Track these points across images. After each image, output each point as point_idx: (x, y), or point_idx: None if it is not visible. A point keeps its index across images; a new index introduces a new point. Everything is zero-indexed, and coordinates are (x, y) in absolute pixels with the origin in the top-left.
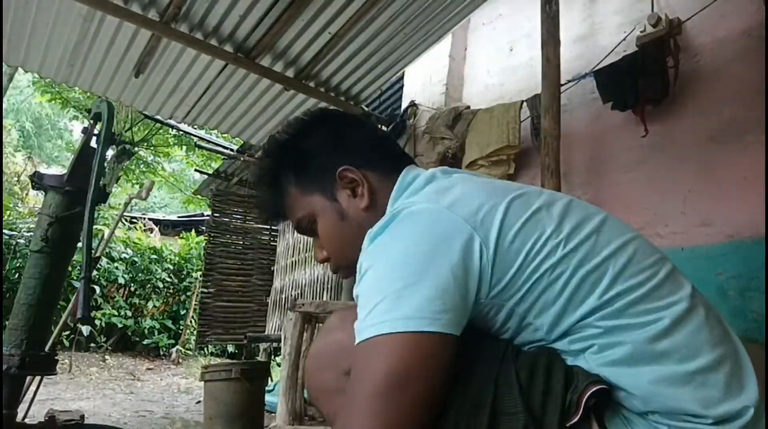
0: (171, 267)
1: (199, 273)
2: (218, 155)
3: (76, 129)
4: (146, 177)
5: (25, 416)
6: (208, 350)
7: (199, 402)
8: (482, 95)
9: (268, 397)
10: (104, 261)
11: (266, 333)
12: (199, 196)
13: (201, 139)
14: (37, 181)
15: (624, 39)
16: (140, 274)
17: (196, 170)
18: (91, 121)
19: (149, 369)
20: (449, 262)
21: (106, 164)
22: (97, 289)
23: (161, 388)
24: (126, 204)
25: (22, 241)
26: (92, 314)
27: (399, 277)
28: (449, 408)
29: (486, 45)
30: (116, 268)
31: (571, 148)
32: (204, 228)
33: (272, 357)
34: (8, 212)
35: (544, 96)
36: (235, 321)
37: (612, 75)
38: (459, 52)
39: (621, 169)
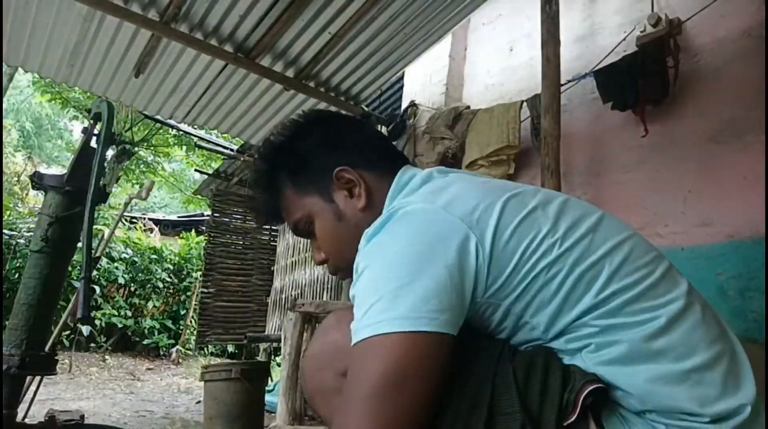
0: (171, 267)
1: (199, 273)
2: (218, 155)
3: (76, 129)
4: (146, 177)
5: (25, 416)
6: (208, 350)
7: (199, 402)
8: (482, 95)
9: (268, 397)
10: (104, 261)
11: (266, 333)
12: (199, 196)
13: (201, 139)
14: (37, 181)
15: (624, 39)
16: (140, 274)
17: (196, 170)
18: (91, 121)
19: (149, 369)
20: (445, 261)
21: (106, 164)
22: (97, 289)
23: (161, 388)
24: (126, 204)
25: (22, 241)
26: (92, 314)
27: (395, 277)
28: (446, 408)
29: (486, 45)
30: (116, 268)
31: (571, 148)
32: (204, 228)
33: (272, 357)
34: (8, 212)
35: (544, 96)
36: (235, 321)
37: (612, 75)
38: (459, 52)
39: (621, 169)
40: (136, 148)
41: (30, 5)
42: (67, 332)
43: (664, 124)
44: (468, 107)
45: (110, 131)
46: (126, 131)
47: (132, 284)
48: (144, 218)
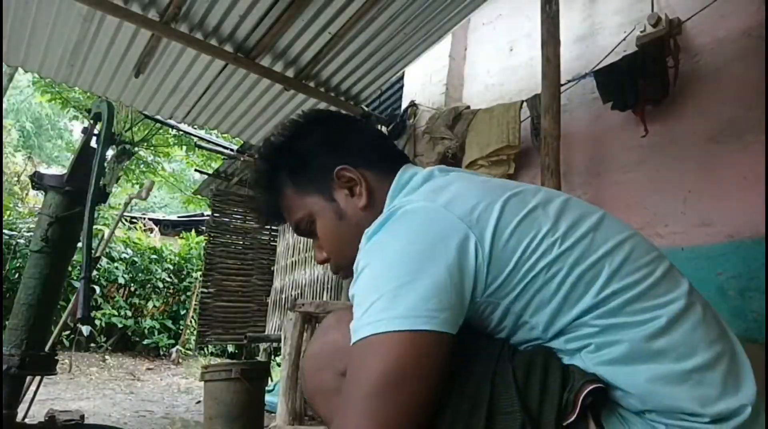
0: (171, 267)
1: (199, 273)
2: (218, 155)
3: (76, 129)
4: (146, 177)
5: (25, 416)
6: (208, 350)
7: (199, 402)
8: (482, 95)
9: (268, 397)
10: (104, 261)
11: (266, 333)
12: (199, 196)
13: (201, 139)
14: (37, 181)
15: (624, 39)
16: (140, 274)
17: (196, 170)
18: (91, 121)
19: (149, 369)
20: (445, 260)
21: (106, 164)
22: (97, 289)
23: (161, 388)
24: (126, 204)
25: (22, 241)
26: (92, 314)
27: (395, 276)
28: (446, 407)
29: (486, 45)
30: (116, 268)
31: (571, 148)
32: (204, 228)
33: (272, 357)
34: (8, 212)
35: (544, 96)
36: (235, 321)
37: (612, 75)
38: (459, 52)
39: (621, 169)
40: (136, 148)
41: (30, 5)
42: (67, 332)
43: (664, 124)
44: (468, 107)
45: (110, 131)
46: (126, 131)
47: (132, 284)
48: (144, 218)
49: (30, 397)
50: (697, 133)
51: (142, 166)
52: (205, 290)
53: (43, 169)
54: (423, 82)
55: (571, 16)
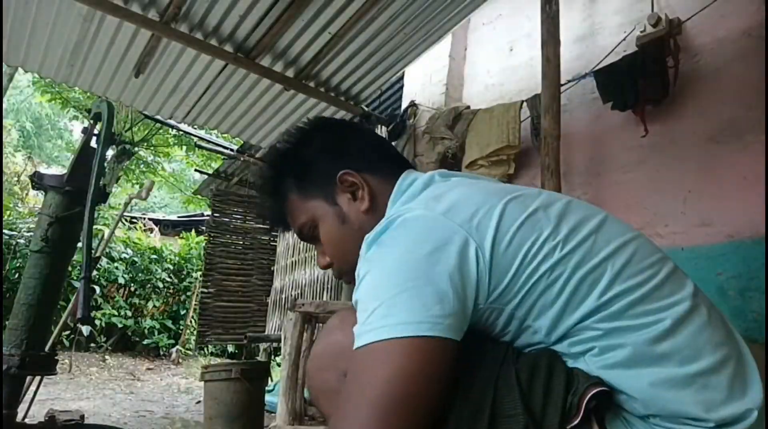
0: (171, 267)
1: (199, 273)
2: (218, 155)
3: (76, 129)
4: (146, 177)
5: (25, 416)
6: (208, 350)
7: (199, 402)
8: (482, 95)
9: (268, 397)
10: (104, 261)
11: (266, 333)
12: (199, 196)
13: (201, 139)
14: (37, 181)
15: (624, 39)
16: (140, 274)
17: (196, 170)
18: (91, 121)
19: (149, 369)
20: (446, 268)
21: (106, 164)
22: (97, 289)
23: (161, 388)
24: (126, 204)
25: (22, 241)
26: (92, 314)
27: (395, 283)
28: (449, 410)
29: (486, 45)
30: (116, 268)
31: (571, 148)
32: (204, 228)
33: (272, 357)
34: (8, 212)
35: (544, 96)
36: (235, 321)
37: (612, 75)
38: (459, 52)
39: (621, 169)
40: (136, 148)
41: (30, 5)
42: (67, 332)
43: (664, 124)
44: (468, 107)
45: (110, 131)
46: (126, 131)
47: (132, 284)
48: (144, 218)
49: (30, 397)
50: (697, 133)
51: (142, 166)
52: (205, 290)
53: (43, 169)
54: (423, 82)
55: (571, 16)
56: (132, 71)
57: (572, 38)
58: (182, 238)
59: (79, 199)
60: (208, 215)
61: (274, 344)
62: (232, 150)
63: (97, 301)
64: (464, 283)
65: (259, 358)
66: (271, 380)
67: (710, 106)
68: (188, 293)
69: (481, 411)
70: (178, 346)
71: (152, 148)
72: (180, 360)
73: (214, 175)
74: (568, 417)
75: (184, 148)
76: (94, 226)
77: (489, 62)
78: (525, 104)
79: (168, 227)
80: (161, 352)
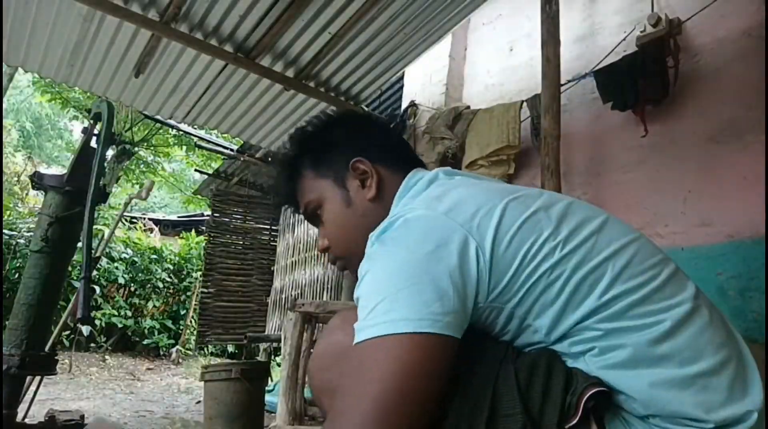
0: (171, 267)
1: (199, 273)
2: (218, 155)
3: (76, 129)
4: (146, 177)
5: (25, 416)
6: (208, 350)
7: (199, 402)
8: (482, 95)
9: (268, 397)
10: (104, 261)
11: (266, 333)
12: (199, 196)
13: (201, 139)
14: (37, 181)
15: (624, 39)
16: (140, 274)
17: (196, 170)
18: (91, 121)
19: (149, 369)
20: (447, 267)
21: (106, 164)
22: (97, 289)
23: (161, 388)
24: (126, 204)
25: (22, 241)
26: (92, 314)
27: (397, 281)
28: (448, 408)
29: (486, 45)
30: (116, 268)
31: (571, 148)
32: (204, 228)
33: (272, 357)
34: (8, 212)
35: (544, 96)
36: (235, 321)
37: (612, 75)
38: (459, 52)
39: (621, 169)
40: (136, 148)
41: (30, 5)
42: (67, 332)
43: (664, 124)
44: (468, 107)
45: (110, 131)
46: (126, 131)
47: (132, 284)
48: (144, 218)
49: (30, 397)
50: (697, 133)
51: (142, 166)
52: (205, 290)
53: (43, 169)
54: (423, 82)
55: (571, 16)
56: (132, 71)
57: (572, 38)
58: (182, 238)
59: (79, 199)
60: (208, 215)
61: (274, 344)
62: (232, 150)
63: (97, 301)
64: (465, 281)
65: (259, 358)
66: (271, 380)
67: (710, 106)
68: (188, 293)
69: (480, 409)
70: (178, 346)
71: (152, 148)
72: (180, 360)
73: (214, 175)
74: (567, 416)
75: (184, 148)
76: (94, 226)
77: (489, 62)
78: (525, 104)
79: (168, 227)
80: (161, 352)
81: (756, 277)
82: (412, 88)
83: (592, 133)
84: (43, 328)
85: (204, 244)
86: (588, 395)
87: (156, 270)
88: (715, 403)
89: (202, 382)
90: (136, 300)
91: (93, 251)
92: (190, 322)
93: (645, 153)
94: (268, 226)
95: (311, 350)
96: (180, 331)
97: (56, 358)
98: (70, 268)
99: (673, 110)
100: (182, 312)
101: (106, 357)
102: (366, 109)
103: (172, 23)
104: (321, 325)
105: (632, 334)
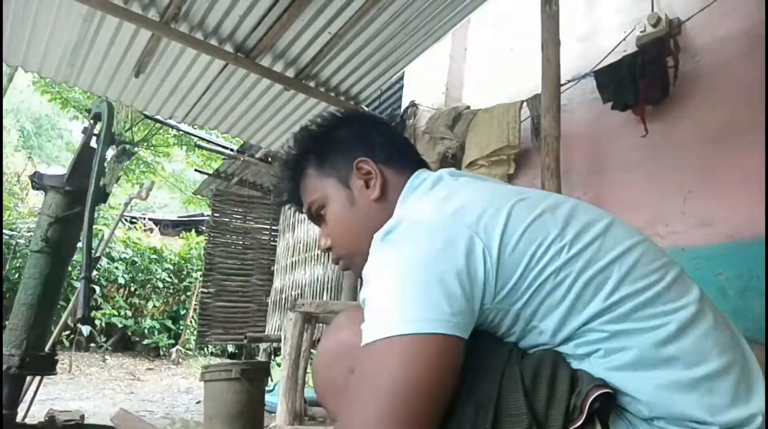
0: (171, 267)
1: (199, 273)
2: (218, 155)
3: (76, 129)
4: (146, 177)
5: (25, 416)
6: (208, 350)
7: (199, 402)
8: (482, 95)
9: (268, 397)
10: (104, 261)
11: (266, 333)
12: (199, 196)
13: (201, 139)
14: (37, 181)
15: (624, 39)
16: (140, 274)
17: (196, 170)
18: (91, 121)
19: (149, 369)
20: (454, 268)
21: (106, 164)
22: (97, 289)
23: (161, 388)
24: (126, 204)
25: (22, 241)
26: (92, 314)
27: (404, 282)
28: (453, 409)
29: (486, 45)
30: (116, 268)
31: (571, 148)
32: (204, 228)
33: (272, 357)
34: (8, 212)
35: (544, 96)
36: (235, 321)
37: (612, 75)
38: (459, 52)
39: (621, 169)
40: (136, 148)
41: (30, 5)
42: (67, 332)
43: (664, 124)
44: (468, 107)
45: (110, 131)
46: (126, 131)
47: (132, 284)
48: (144, 218)
49: (30, 397)
50: (697, 133)
51: (142, 166)
52: (205, 290)
53: (43, 169)
54: (423, 82)
55: (571, 16)
56: (132, 71)
57: (572, 38)
58: (182, 238)
59: (79, 199)
60: (208, 215)
61: (274, 344)
62: (232, 150)
63: (97, 301)
64: (472, 282)
65: (259, 358)
66: (271, 380)
67: (710, 106)
68: (188, 293)
69: (485, 409)
70: (178, 346)
71: (152, 148)
72: (180, 360)
73: (214, 175)
74: (572, 418)
75: (184, 148)
76: (94, 226)
77: (489, 62)
78: (525, 104)
79: (168, 227)
80: (161, 352)
81: (756, 277)
82: (412, 88)
83: (592, 133)
84: (43, 328)
85: (204, 244)
86: (593, 397)
87: (156, 270)
88: (720, 405)
89: (202, 382)
90: (136, 300)
91: (93, 251)
92: (190, 322)
93: (645, 153)
94: (268, 226)
95: (312, 350)
96: (180, 331)
97: (56, 358)
98: (70, 268)
99: (673, 110)
100: (182, 312)
101: (106, 357)
102: (366, 109)
103: (172, 23)
104: (321, 325)
105: (638, 336)
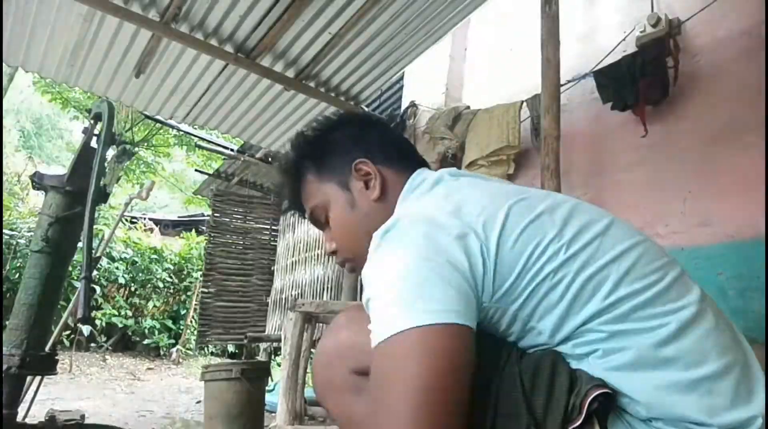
0: (171, 267)
1: (200, 273)
2: (218, 155)
3: (76, 129)
4: (146, 177)
5: (25, 416)
6: (208, 350)
7: (199, 402)
8: (482, 95)
9: (268, 397)
10: (104, 261)
11: (266, 333)
12: (199, 196)
13: (201, 139)
14: (38, 181)
15: (624, 39)
16: (140, 274)
17: (196, 170)
18: (92, 121)
19: (149, 369)
20: (455, 262)
21: (106, 164)
22: (98, 289)
23: (161, 388)
24: (126, 204)
25: (22, 241)
26: (92, 314)
27: (409, 277)
28: None
29: (486, 45)
30: (116, 268)
31: (571, 148)
32: (204, 228)
33: (272, 357)
34: (9, 212)
35: (544, 96)
36: (235, 321)
37: (612, 75)
38: (459, 52)
39: (621, 169)
40: (137, 149)
41: (30, 5)
42: (68, 332)
43: (664, 124)
44: (468, 107)
45: (110, 131)
46: (126, 131)
47: (132, 284)
48: (144, 218)
49: (30, 397)
50: (697, 133)
51: (142, 166)
52: (206, 290)
53: (43, 169)
54: (423, 82)
55: (571, 16)
56: (132, 71)
57: (572, 38)
58: (182, 238)
59: (79, 199)
60: (208, 215)
61: (274, 344)
62: (232, 150)
63: (97, 300)
64: (473, 276)
65: (259, 358)
66: (271, 380)
67: (710, 106)
68: (188, 293)
69: (484, 408)
70: (178, 346)
71: (152, 148)
72: (180, 360)
73: (214, 175)
74: (571, 418)
75: (185, 148)
76: (95, 226)
77: (489, 62)
78: (525, 104)
79: (168, 227)
80: (161, 352)
81: (756, 277)
82: (412, 88)
83: (592, 133)
84: (43, 328)
85: (204, 244)
86: (591, 397)
87: (156, 270)
88: (720, 407)
89: (203, 382)
90: (136, 300)
91: (93, 251)
92: (191, 322)
93: (645, 153)
94: (268, 226)
95: (312, 350)
96: (180, 331)
97: (57, 358)
98: (70, 268)
99: (673, 110)
100: (182, 312)
101: (107, 357)
102: (366, 109)
103: (172, 23)
104: (321, 325)
105: (636, 337)
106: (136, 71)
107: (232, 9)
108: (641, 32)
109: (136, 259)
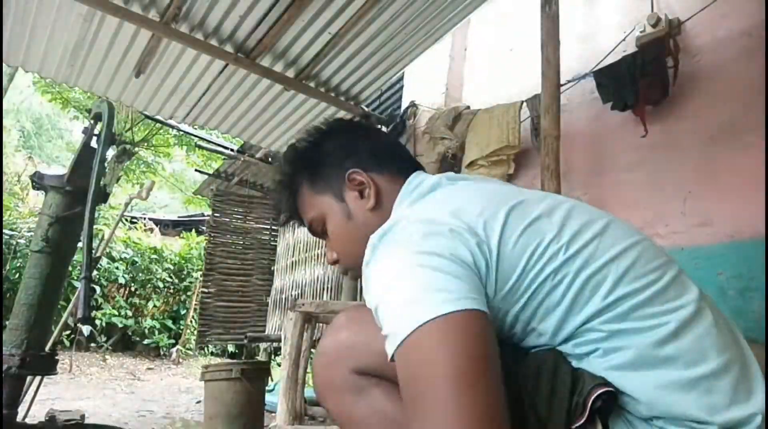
0: (171, 267)
1: (200, 273)
2: (218, 155)
3: (76, 129)
4: (146, 177)
5: (25, 416)
6: (208, 350)
7: (199, 402)
8: (482, 95)
9: (268, 397)
10: (104, 261)
11: (266, 333)
12: (199, 196)
13: (201, 139)
14: (38, 181)
15: (624, 39)
16: (140, 274)
17: (196, 170)
18: (92, 121)
19: (149, 369)
20: (459, 260)
21: (106, 164)
22: (98, 289)
23: (161, 388)
24: (126, 204)
25: (22, 241)
26: (92, 314)
27: (416, 271)
28: None
29: (486, 45)
30: (116, 268)
31: (571, 148)
32: (204, 228)
33: (272, 357)
34: (8, 212)
35: (544, 96)
36: (235, 321)
37: (612, 75)
38: (459, 52)
39: (621, 169)
40: (137, 149)
41: (30, 5)
42: (68, 332)
43: (664, 124)
44: (468, 107)
45: (110, 131)
46: (126, 131)
47: (132, 284)
48: (144, 218)
49: (30, 397)
50: (697, 134)
51: (142, 166)
52: (206, 290)
53: (43, 169)
54: (423, 82)
55: (571, 16)
56: (132, 71)
57: (572, 38)
58: (182, 238)
59: (79, 199)
60: (208, 215)
61: (274, 344)
62: (232, 150)
63: (97, 300)
64: (478, 270)
65: (259, 358)
66: (271, 380)
67: (710, 106)
68: (188, 293)
69: None
70: (178, 346)
71: (152, 148)
72: (180, 360)
73: (214, 175)
74: (573, 417)
75: (185, 148)
76: (95, 226)
77: (489, 62)
78: (525, 104)
79: (168, 227)
80: (161, 352)
81: (756, 277)
82: (412, 88)
83: (592, 133)
84: (43, 328)
85: (204, 244)
86: (594, 396)
87: (156, 270)
88: (719, 405)
89: (203, 382)
90: (136, 300)
91: (93, 251)
92: (191, 322)
93: (645, 153)
94: (268, 226)
95: (312, 350)
96: (180, 331)
97: (57, 358)
98: (70, 268)
99: (673, 110)
100: (182, 312)
101: (107, 357)
102: (366, 109)
103: (172, 23)
104: (321, 325)
105: (636, 336)
106: (136, 71)
107: (232, 9)
108: (641, 32)
109: (136, 259)
